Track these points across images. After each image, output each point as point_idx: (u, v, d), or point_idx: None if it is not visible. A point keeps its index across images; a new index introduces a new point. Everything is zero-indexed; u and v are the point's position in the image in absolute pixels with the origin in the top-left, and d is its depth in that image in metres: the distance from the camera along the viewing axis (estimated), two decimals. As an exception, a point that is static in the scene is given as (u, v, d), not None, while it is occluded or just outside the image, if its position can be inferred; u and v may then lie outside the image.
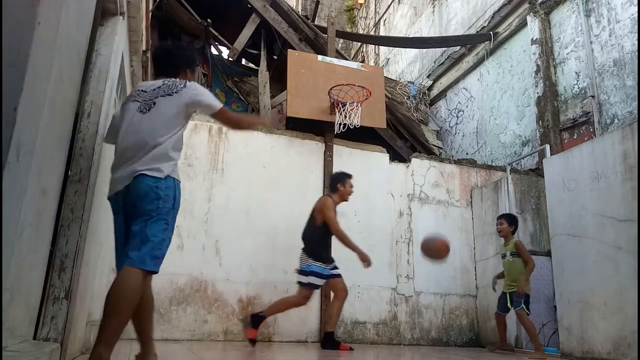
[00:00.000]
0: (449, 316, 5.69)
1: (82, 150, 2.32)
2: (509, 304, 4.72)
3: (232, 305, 4.82)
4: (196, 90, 2.26)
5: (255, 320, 4.08)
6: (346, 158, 5.76)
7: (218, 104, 2.29)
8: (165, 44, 2.68)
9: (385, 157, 6.00)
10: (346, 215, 5.56)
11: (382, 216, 5.74)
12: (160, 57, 2.44)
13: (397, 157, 6.19)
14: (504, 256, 4.91)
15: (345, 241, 4.29)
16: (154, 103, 2.19)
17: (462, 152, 7.90)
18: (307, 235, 4.40)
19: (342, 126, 5.40)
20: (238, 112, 6.94)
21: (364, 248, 5.51)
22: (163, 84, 2.27)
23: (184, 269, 4.74)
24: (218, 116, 2.31)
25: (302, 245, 4.41)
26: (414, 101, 8.33)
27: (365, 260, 4.27)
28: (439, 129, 8.39)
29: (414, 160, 6.13)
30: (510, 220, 4.96)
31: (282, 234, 5.19)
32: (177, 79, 2.32)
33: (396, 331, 5.43)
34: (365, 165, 5.84)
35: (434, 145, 7.44)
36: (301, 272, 4.27)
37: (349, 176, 4.58)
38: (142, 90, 2.27)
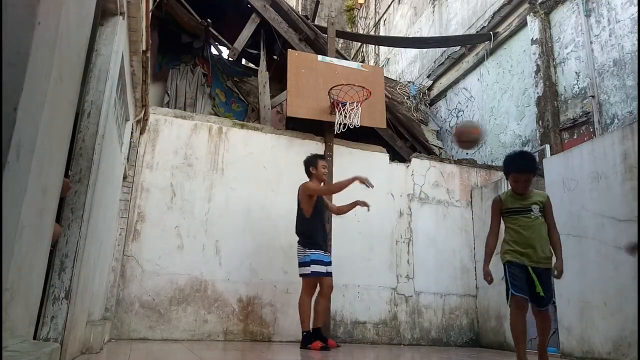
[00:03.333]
0: (449, 316, 5.70)
1: (82, 150, 2.32)
2: (539, 288, 2.90)
3: (232, 305, 4.82)
4: None
5: (308, 339, 4.15)
6: (346, 158, 5.76)
7: None
8: None
9: (385, 157, 6.00)
10: (346, 215, 5.56)
11: (382, 216, 5.74)
12: None
13: (397, 157, 6.19)
14: (525, 211, 3.05)
15: (339, 185, 4.39)
16: None
17: (462, 152, 7.90)
18: (298, 227, 4.48)
19: (342, 126, 5.40)
20: (238, 112, 6.93)
21: (364, 248, 5.54)
22: None
23: (184, 269, 4.74)
24: None
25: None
26: (414, 101, 8.33)
27: (364, 182, 4.31)
28: (439, 129, 8.39)
29: (414, 160, 6.13)
30: (536, 168, 3.19)
31: (282, 234, 5.19)
32: None
33: (396, 331, 5.43)
34: (365, 165, 5.84)
35: (434, 145, 7.44)
36: (301, 264, 4.33)
37: (319, 156, 4.72)
38: None
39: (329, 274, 4.37)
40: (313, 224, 4.41)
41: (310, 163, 4.62)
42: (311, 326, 4.25)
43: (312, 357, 3.60)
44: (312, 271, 4.23)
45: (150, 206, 4.79)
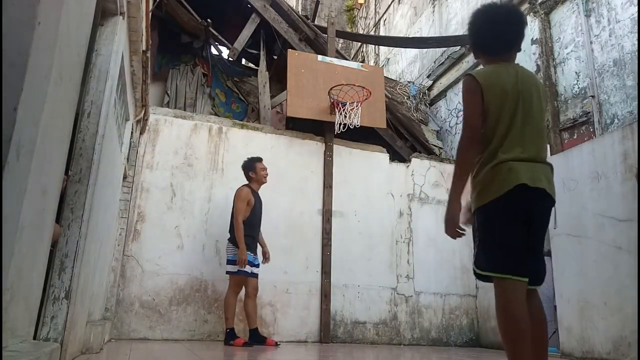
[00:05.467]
0: (449, 316, 5.69)
1: (82, 150, 2.32)
2: None
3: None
4: None
5: (231, 335, 4.25)
6: (346, 158, 5.76)
7: None
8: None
9: (385, 157, 6.00)
10: (346, 215, 5.56)
11: (382, 216, 5.74)
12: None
13: (397, 157, 6.19)
14: None
15: (239, 234, 4.36)
16: None
17: (462, 152, 7.89)
18: (232, 227, 4.50)
19: (342, 126, 5.40)
20: (238, 112, 6.93)
21: (364, 248, 5.54)
22: None
23: (184, 269, 4.74)
24: None
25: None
26: (414, 101, 8.33)
27: (240, 262, 4.32)
28: (439, 129, 8.39)
29: (414, 160, 6.13)
30: None
31: (282, 234, 5.20)
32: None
33: (396, 331, 5.43)
34: (365, 165, 5.85)
35: (434, 145, 7.43)
36: (229, 262, 4.39)
37: (256, 160, 4.72)
38: None
39: (255, 275, 4.46)
40: (247, 226, 4.44)
41: (249, 168, 4.69)
42: (233, 326, 4.35)
43: (310, 356, 3.60)
44: (238, 269, 4.32)
45: (150, 206, 4.79)
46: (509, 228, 1.71)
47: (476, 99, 1.80)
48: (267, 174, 4.74)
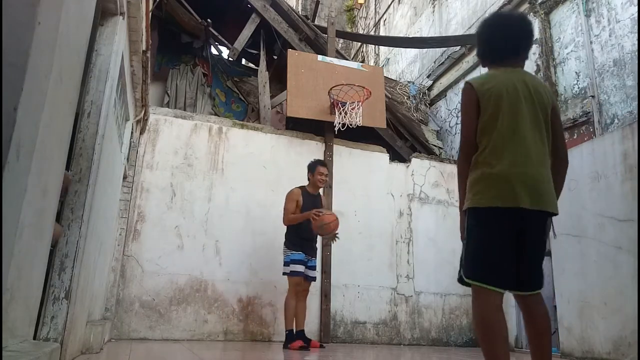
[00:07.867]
0: (449, 316, 5.69)
1: (82, 150, 2.32)
2: None
3: (232, 305, 4.82)
4: None
5: (290, 338, 4.19)
6: (346, 158, 5.76)
7: None
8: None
9: (385, 157, 6.00)
10: (346, 215, 5.56)
11: (382, 216, 5.74)
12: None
13: (397, 157, 6.19)
14: None
15: (296, 219, 4.39)
16: None
17: (462, 152, 7.88)
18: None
19: (342, 126, 5.40)
20: (238, 112, 6.93)
21: (364, 248, 5.54)
22: None
23: (184, 269, 4.74)
24: None
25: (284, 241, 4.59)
26: (414, 101, 8.32)
27: (315, 218, 4.28)
28: (439, 129, 8.39)
29: (414, 160, 6.13)
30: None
31: (282, 234, 5.18)
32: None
33: (396, 331, 5.43)
34: (365, 165, 5.84)
35: (434, 145, 7.43)
36: (284, 263, 4.39)
37: (319, 163, 4.70)
38: None
39: (309, 278, 4.43)
40: (297, 227, 4.43)
41: (311, 169, 4.68)
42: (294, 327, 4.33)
43: (310, 356, 3.60)
44: (291, 270, 4.32)
45: (150, 206, 4.79)
46: (496, 240, 1.70)
47: (471, 108, 1.81)
48: (323, 180, 4.65)
